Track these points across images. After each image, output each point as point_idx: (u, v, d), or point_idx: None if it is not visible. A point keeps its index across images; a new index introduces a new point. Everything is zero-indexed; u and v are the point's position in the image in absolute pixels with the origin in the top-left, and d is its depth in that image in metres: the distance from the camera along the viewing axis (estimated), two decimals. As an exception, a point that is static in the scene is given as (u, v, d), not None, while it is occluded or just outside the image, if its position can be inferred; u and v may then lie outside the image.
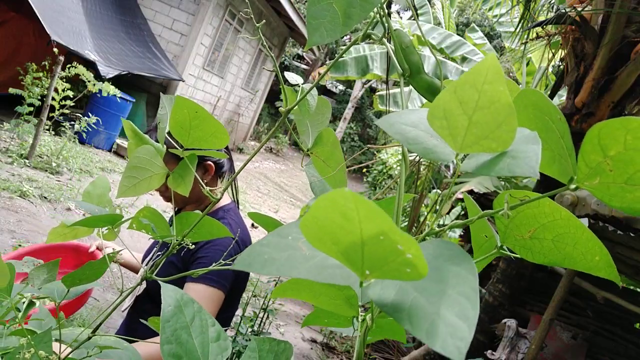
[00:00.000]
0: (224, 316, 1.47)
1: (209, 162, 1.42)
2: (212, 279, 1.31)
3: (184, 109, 0.58)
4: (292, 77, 0.63)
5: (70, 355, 0.63)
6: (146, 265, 1.50)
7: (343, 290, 0.41)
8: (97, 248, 1.58)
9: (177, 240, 0.68)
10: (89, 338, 0.64)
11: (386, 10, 0.49)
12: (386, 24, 0.50)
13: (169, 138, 0.72)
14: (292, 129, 0.62)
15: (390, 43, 0.54)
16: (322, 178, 0.62)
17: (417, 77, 0.54)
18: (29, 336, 0.59)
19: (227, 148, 1.58)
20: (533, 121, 0.36)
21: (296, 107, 0.58)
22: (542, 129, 0.35)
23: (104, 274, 0.68)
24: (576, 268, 0.38)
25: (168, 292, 0.47)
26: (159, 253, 1.47)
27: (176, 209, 1.60)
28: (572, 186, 0.31)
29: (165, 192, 1.39)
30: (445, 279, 0.30)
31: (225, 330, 1.53)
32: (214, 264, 1.24)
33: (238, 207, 1.57)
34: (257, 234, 6.16)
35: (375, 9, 0.46)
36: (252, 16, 0.54)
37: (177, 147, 0.67)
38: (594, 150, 0.29)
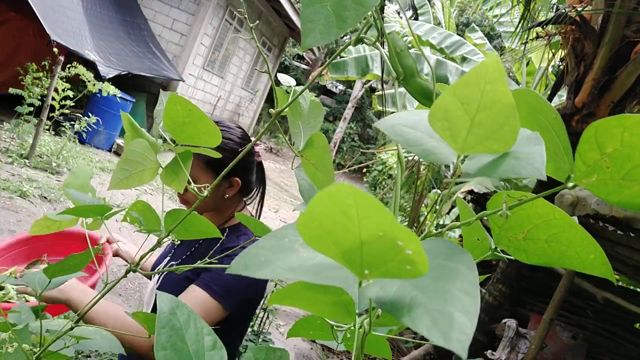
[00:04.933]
0: (229, 337, 1.34)
1: (237, 179, 1.35)
2: (218, 291, 1.20)
3: (177, 105, 0.58)
4: (284, 79, 0.63)
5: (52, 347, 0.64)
6: (160, 275, 1.40)
7: (340, 297, 0.41)
8: (107, 240, 1.47)
9: (164, 234, 0.68)
10: (72, 328, 0.64)
11: (380, 14, 0.49)
12: (380, 28, 0.50)
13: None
14: (283, 132, 0.62)
15: (384, 47, 0.54)
16: (311, 181, 0.62)
17: (411, 81, 0.54)
18: (11, 330, 0.59)
19: (262, 171, 1.46)
20: (528, 121, 0.36)
21: (288, 108, 0.58)
22: (537, 128, 0.35)
23: (86, 265, 0.68)
24: (571, 267, 0.38)
25: (163, 299, 0.47)
26: (173, 263, 1.39)
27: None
28: (570, 184, 0.31)
29: (183, 196, 1.32)
30: (444, 276, 0.30)
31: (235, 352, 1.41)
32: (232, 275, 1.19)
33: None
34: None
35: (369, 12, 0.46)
36: (246, 16, 0.54)
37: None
38: (591, 148, 0.29)
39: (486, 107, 0.32)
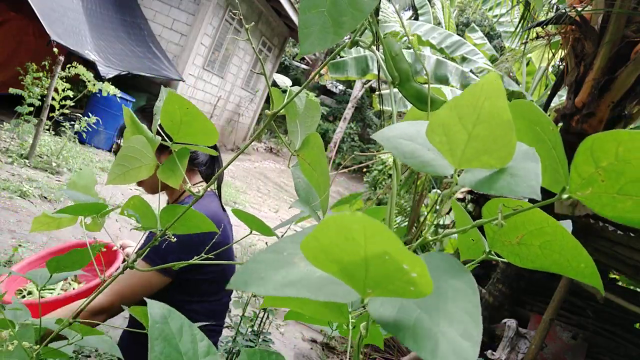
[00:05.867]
0: (208, 307, 1.41)
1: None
2: (155, 260, 1.23)
3: (175, 104, 0.59)
4: (280, 79, 0.63)
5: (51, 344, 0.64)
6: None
7: None
8: (121, 246, 1.54)
9: (160, 231, 0.69)
10: (70, 324, 0.64)
11: (375, 18, 0.49)
12: (375, 31, 0.50)
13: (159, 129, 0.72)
14: (283, 132, 0.62)
15: (379, 50, 0.54)
16: (307, 180, 0.62)
17: (407, 85, 0.54)
18: (11, 328, 0.59)
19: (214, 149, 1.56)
20: (524, 132, 0.36)
21: (284, 108, 0.58)
22: (533, 140, 0.35)
23: (87, 263, 0.69)
24: (562, 273, 0.39)
25: (154, 308, 0.47)
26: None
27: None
28: (565, 196, 0.31)
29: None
30: (445, 294, 0.31)
31: (218, 325, 1.48)
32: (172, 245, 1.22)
33: (220, 198, 1.52)
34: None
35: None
36: (242, 16, 0.54)
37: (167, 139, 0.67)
38: (586, 162, 0.30)
39: (484, 121, 0.32)
